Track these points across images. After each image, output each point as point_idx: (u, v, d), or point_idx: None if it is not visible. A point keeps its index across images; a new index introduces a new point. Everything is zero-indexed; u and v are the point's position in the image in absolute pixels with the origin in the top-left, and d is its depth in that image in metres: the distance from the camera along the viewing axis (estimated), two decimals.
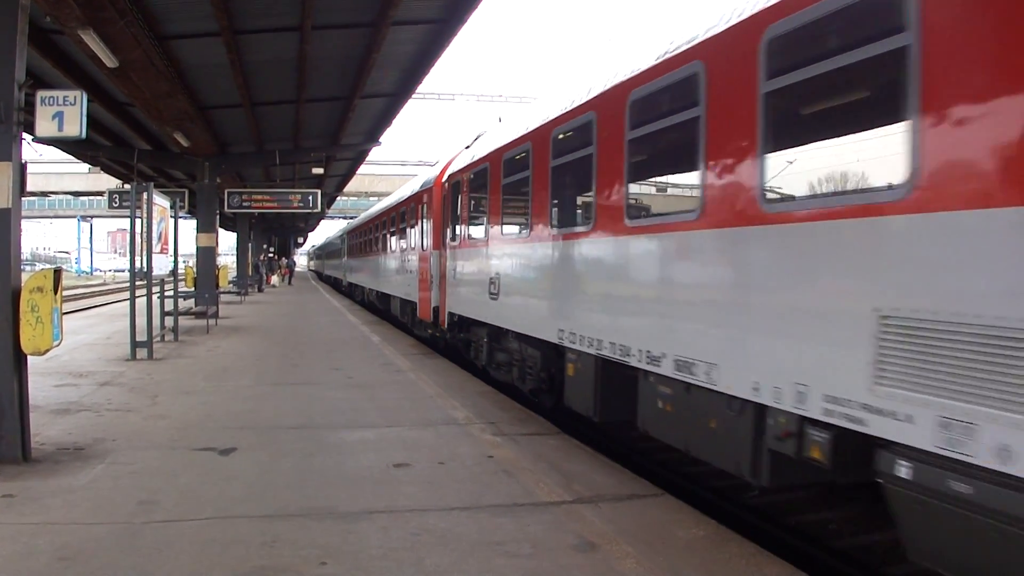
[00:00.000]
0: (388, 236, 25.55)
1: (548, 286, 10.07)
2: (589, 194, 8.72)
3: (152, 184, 16.87)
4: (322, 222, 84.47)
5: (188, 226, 29.49)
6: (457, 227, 14.78)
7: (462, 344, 15.10)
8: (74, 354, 15.42)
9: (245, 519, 6.00)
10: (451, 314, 15.30)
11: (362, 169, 46.03)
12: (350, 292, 43.26)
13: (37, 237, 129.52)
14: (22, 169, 7.72)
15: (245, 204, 30.05)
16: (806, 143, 6.40)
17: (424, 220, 18.49)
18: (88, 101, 8.78)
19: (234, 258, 51.05)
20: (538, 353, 10.70)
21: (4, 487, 6.69)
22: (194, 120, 20.88)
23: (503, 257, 11.88)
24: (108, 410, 10.12)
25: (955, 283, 4.26)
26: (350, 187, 56.99)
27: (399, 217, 22.90)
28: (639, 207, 8.26)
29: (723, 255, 6.38)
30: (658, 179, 8.90)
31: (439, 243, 16.51)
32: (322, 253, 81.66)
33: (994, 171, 4.06)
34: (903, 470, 4.63)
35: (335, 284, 57.84)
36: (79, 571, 4.97)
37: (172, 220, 18.70)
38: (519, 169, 11.01)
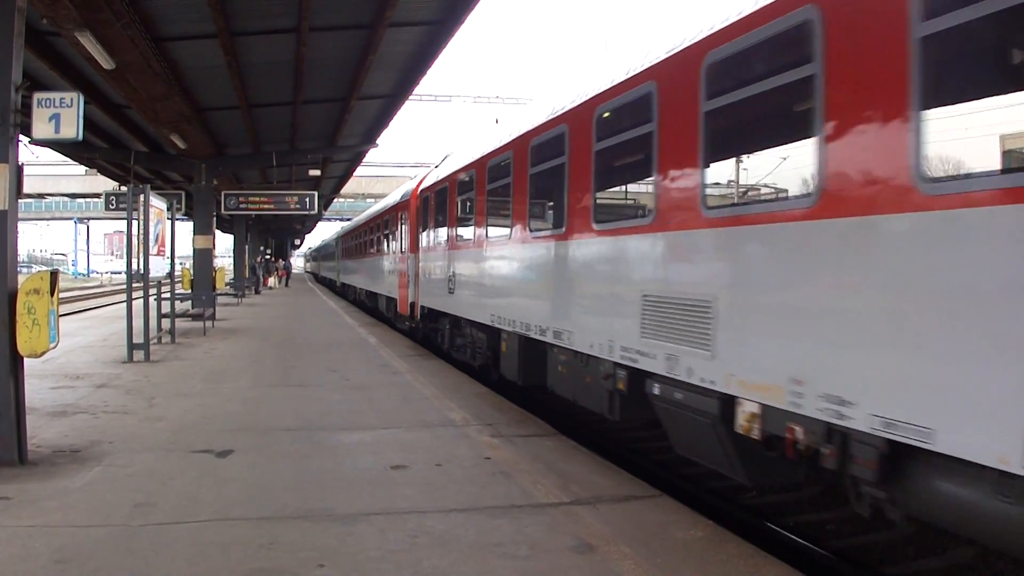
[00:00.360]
0: (375, 241, 28.63)
1: (486, 282, 12.84)
2: (508, 212, 11.57)
3: (149, 186, 16.85)
4: (319, 224, 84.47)
5: (185, 228, 29.43)
6: (426, 233, 18.09)
7: (432, 333, 18.22)
8: (71, 356, 15.39)
9: (242, 521, 6.00)
10: (422, 307, 18.38)
11: (359, 171, 46.06)
12: (343, 292, 45.69)
13: (34, 239, 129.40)
14: (19, 171, 7.71)
15: (242, 206, 29.99)
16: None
17: (403, 227, 21.54)
18: (85, 103, 8.74)
19: (231, 260, 50.99)
20: (484, 335, 13.40)
21: (1, 490, 6.68)
22: (191, 122, 20.83)
23: (457, 259, 14.75)
24: (105, 412, 10.10)
25: (667, 274, 7.21)
26: (347, 189, 57.01)
27: (384, 224, 26.20)
28: (538, 220, 10.98)
29: (562, 257, 9.52)
30: (546, 200, 11.20)
31: (414, 247, 19.46)
32: (317, 255, 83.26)
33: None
34: (655, 388, 7.35)
35: (330, 285, 58.86)
36: (76, 574, 4.96)
37: (169, 222, 18.70)
38: (467, 190, 14.02)
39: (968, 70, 5.38)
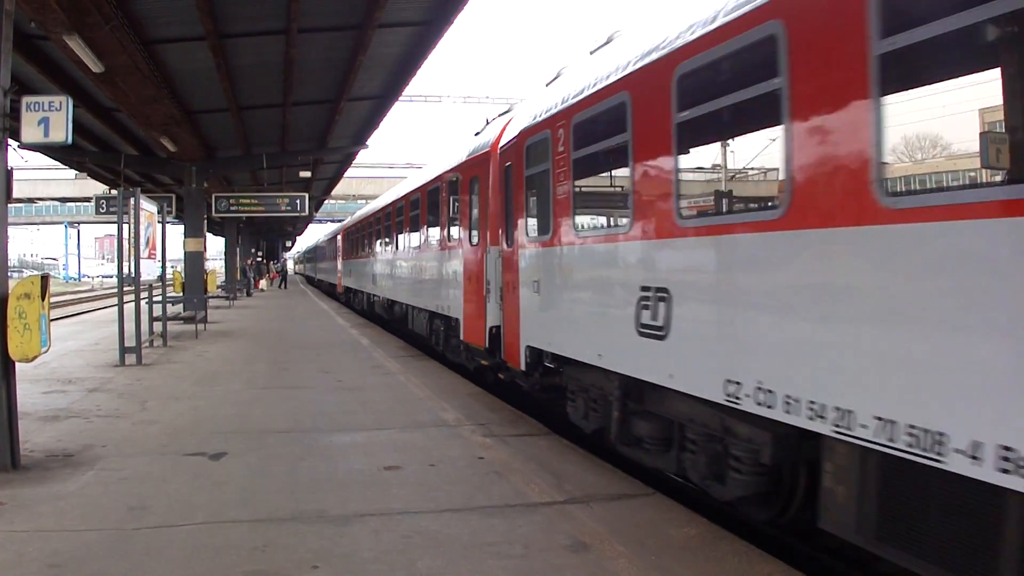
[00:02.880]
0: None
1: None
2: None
3: (139, 189, 16.82)
4: (310, 226, 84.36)
5: (176, 231, 29.42)
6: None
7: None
8: (62, 360, 15.35)
9: (236, 524, 5.99)
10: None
11: (350, 172, 45.95)
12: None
13: (24, 244, 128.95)
14: (8, 175, 7.68)
15: (233, 208, 29.99)
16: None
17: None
18: (74, 106, 8.74)
19: (222, 263, 50.82)
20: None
21: None
22: (181, 124, 20.81)
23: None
24: (97, 416, 10.08)
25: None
26: (338, 190, 56.94)
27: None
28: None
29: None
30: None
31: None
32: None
33: None
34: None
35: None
36: None
37: (160, 225, 18.66)
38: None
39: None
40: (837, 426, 4.75)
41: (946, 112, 5.29)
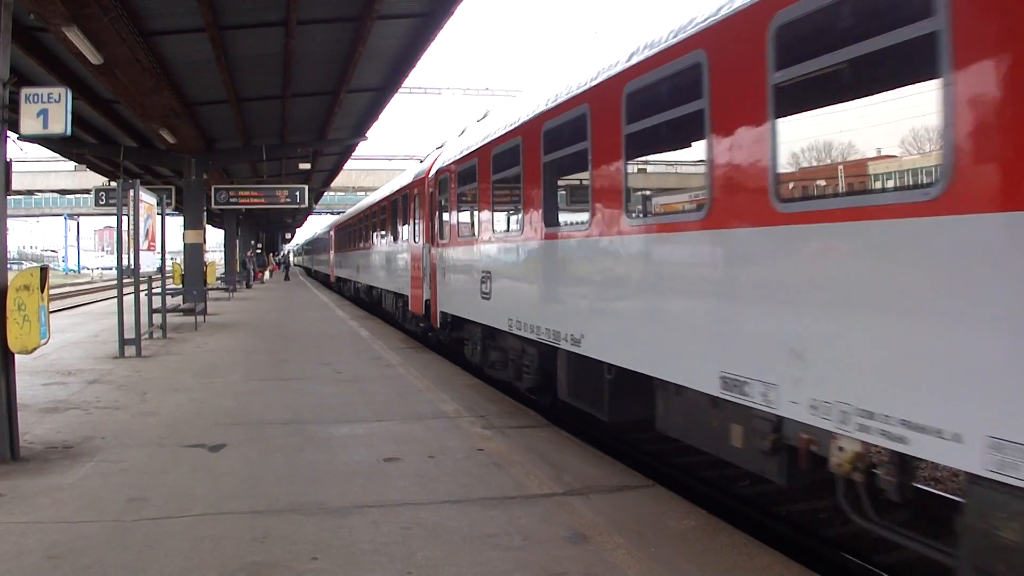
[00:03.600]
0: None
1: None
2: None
3: (138, 181, 16.77)
4: (309, 217, 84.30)
5: (175, 223, 29.34)
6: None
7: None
8: (62, 352, 15.35)
9: (235, 515, 6.00)
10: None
11: (349, 164, 45.94)
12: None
13: (24, 236, 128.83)
14: (7, 167, 7.68)
15: (232, 200, 29.91)
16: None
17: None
18: (73, 98, 8.73)
19: (222, 255, 50.76)
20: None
21: None
22: (180, 116, 20.77)
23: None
24: (97, 408, 10.09)
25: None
26: (337, 182, 56.86)
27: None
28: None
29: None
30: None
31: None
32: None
33: None
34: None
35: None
36: (69, 570, 4.96)
37: (159, 217, 18.64)
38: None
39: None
40: (558, 343, 8.94)
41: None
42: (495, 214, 11.72)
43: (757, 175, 5.43)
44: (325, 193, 60.64)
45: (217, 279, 34.17)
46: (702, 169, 6.15)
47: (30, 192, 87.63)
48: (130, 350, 15.04)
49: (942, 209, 4.05)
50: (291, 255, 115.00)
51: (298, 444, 8.23)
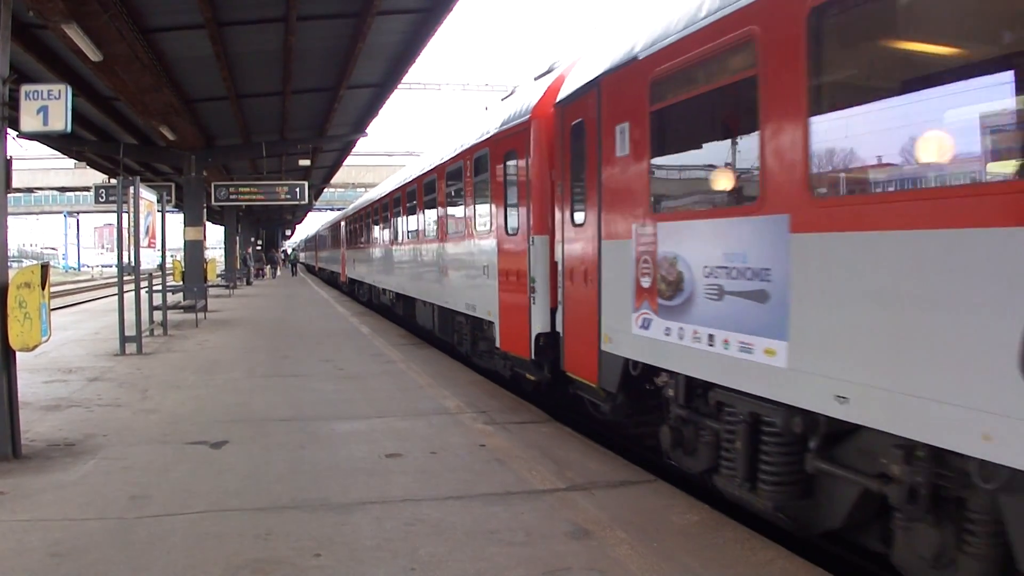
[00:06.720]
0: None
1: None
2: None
3: (138, 178, 16.73)
4: (309, 214, 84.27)
5: (175, 220, 29.33)
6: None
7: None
8: (63, 350, 15.35)
9: (238, 512, 6.00)
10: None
11: (349, 160, 45.77)
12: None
13: (24, 233, 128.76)
14: (7, 165, 7.66)
15: (232, 197, 29.85)
16: None
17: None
18: (73, 95, 8.70)
19: (222, 251, 50.69)
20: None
21: None
22: (180, 113, 20.73)
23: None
24: (98, 405, 10.09)
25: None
26: (337, 178, 56.84)
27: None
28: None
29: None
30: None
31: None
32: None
33: None
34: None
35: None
36: (72, 567, 4.96)
37: (159, 214, 18.62)
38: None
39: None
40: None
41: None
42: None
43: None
44: (325, 189, 60.56)
45: (217, 276, 34.13)
46: None
47: (30, 189, 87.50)
48: (131, 347, 15.04)
49: None
50: (290, 251, 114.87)
51: (300, 441, 8.23)
